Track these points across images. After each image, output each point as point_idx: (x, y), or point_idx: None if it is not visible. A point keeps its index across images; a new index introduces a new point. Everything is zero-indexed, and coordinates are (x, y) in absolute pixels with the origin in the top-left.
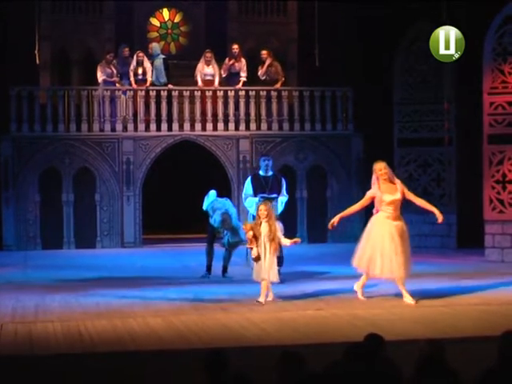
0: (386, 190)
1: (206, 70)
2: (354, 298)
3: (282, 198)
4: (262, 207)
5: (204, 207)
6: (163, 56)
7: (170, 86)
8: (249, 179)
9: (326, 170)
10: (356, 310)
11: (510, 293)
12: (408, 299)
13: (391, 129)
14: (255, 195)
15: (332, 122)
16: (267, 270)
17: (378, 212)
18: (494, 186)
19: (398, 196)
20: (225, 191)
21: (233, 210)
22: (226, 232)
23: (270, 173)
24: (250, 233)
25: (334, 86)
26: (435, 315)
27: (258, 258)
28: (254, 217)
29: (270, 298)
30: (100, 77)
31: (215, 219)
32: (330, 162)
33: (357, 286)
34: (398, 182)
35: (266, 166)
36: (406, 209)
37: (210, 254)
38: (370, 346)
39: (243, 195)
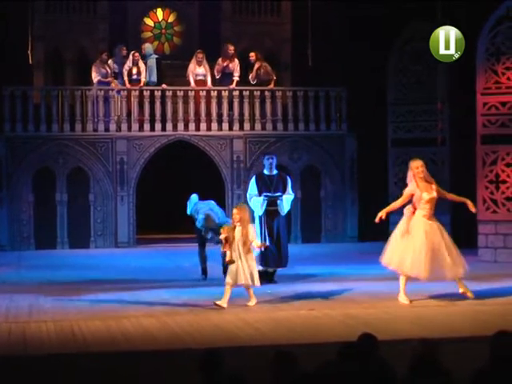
0: (423, 188)
1: (198, 70)
2: (347, 298)
3: (288, 197)
4: (235, 211)
5: (188, 212)
6: (156, 56)
7: (164, 86)
8: (253, 179)
9: (319, 170)
10: (349, 309)
11: (504, 292)
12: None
13: (385, 129)
14: (260, 194)
15: (326, 122)
16: (245, 274)
17: (415, 209)
18: (487, 186)
19: (435, 194)
20: (218, 191)
21: (217, 210)
22: (211, 235)
23: (275, 171)
24: (222, 236)
25: (327, 86)
26: (429, 315)
27: (231, 262)
28: (259, 218)
29: (253, 303)
30: (95, 77)
31: (199, 220)
32: (323, 162)
33: (400, 293)
34: (432, 180)
35: (270, 165)
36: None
37: (202, 257)
38: (363, 345)
39: (248, 195)
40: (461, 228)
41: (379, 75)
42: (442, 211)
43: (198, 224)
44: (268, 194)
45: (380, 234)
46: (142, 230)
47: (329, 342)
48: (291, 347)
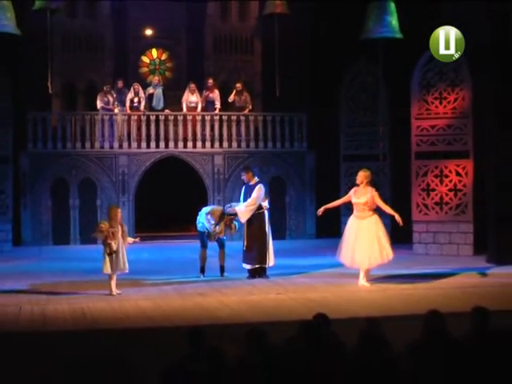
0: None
1: (191, 98)
2: (307, 285)
3: (238, 207)
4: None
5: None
6: (162, 87)
7: (167, 111)
8: (243, 188)
9: (284, 180)
10: (308, 293)
11: (432, 279)
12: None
13: (338, 147)
14: (244, 202)
15: (290, 141)
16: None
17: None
18: (420, 193)
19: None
20: (202, 197)
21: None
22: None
23: (255, 181)
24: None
25: (291, 112)
26: (372, 298)
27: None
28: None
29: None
30: (99, 104)
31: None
32: (288, 173)
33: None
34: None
35: (243, 180)
36: (346, 211)
37: (202, 257)
38: (317, 323)
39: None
40: (399, 227)
41: (333, 103)
42: (382, 214)
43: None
44: (224, 206)
45: (333, 231)
46: (139, 228)
47: (292, 320)
48: (262, 325)
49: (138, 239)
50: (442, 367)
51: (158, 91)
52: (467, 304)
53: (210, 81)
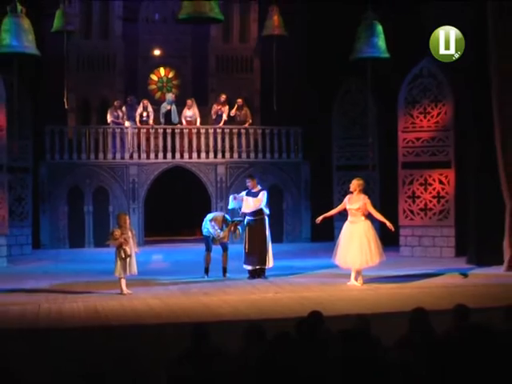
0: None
1: (187, 113)
2: (302, 284)
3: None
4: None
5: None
6: (175, 102)
7: (179, 126)
8: (243, 193)
9: (282, 188)
10: (304, 293)
11: (418, 279)
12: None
13: (331, 157)
14: None
15: (286, 153)
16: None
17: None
18: (406, 200)
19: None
20: (206, 204)
21: (210, 217)
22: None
23: (258, 188)
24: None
25: (288, 126)
26: (363, 296)
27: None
28: (244, 227)
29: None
30: (109, 118)
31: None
32: (285, 182)
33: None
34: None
35: (248, 185)
36: (339, 216)
37: (207, 259)
38: (312, 320)
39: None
40: (387, 231)
41: (326, 117)
42: (372, 219)
43: (207, 231)
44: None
45: (327, 235)
46: (148, 233)
47: (289, 317)
48: (260, 321)
49: (138, 250)
50: (426, 361)
51: (174, 107)
52: (450, 302)
53: (223, 96)
